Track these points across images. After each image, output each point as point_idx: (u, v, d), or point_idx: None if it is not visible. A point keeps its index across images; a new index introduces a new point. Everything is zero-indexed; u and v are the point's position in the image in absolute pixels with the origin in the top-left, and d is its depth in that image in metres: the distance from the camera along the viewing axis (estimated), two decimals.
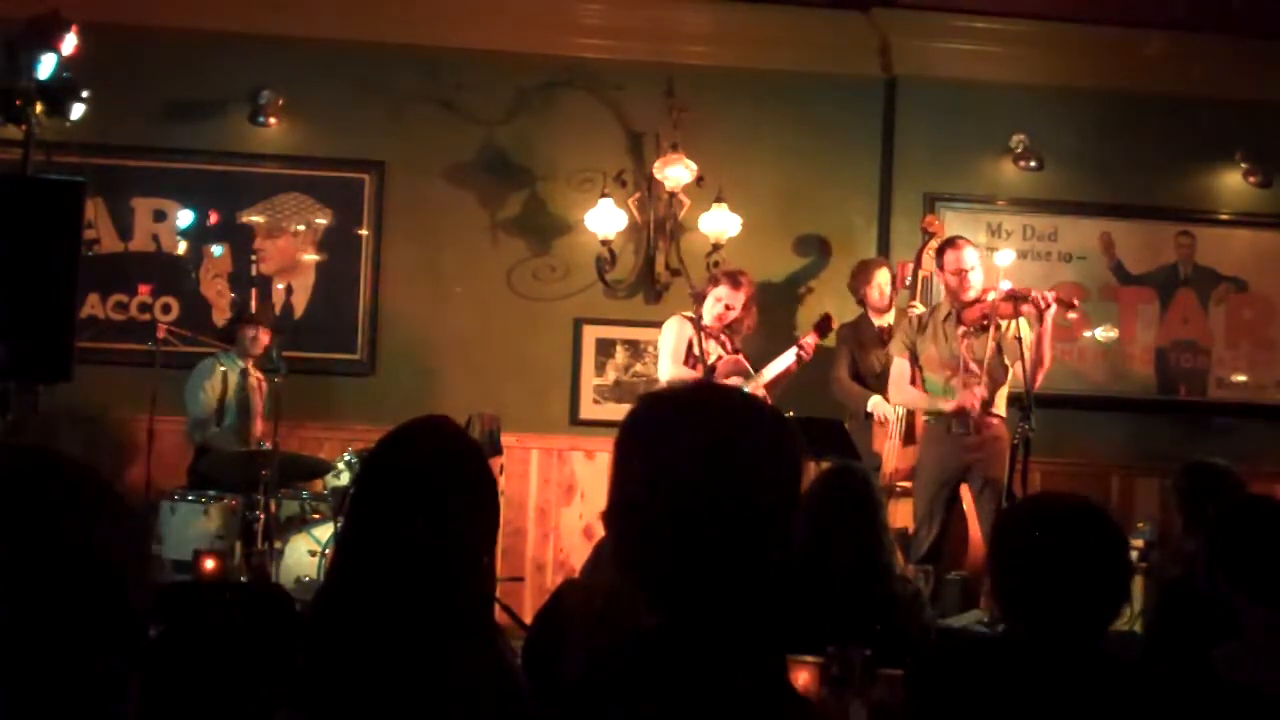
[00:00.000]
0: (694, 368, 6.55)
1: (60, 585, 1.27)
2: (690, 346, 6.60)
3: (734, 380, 6.48)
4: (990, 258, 7.02)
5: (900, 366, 6.44)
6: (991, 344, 6.19)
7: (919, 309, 6.83)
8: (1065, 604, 2.30)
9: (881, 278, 7.08)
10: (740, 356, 6.70)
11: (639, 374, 7.57)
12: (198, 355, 6.83)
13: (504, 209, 7.67)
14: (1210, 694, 2.41)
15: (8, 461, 1.35)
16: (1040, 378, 6.10)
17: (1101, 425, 7.83)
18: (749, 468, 1.51)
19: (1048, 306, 6.02)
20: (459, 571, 2.22)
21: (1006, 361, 6.21)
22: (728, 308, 6.62)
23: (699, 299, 6.66)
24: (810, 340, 6.70)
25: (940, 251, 6.42)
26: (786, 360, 6.66)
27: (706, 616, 1.48)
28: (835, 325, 6.96)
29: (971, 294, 6.22)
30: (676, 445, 1.52)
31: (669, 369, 6.62)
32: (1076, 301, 6.25)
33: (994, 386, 6.26)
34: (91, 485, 1.36)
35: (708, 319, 6.61)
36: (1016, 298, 6.04)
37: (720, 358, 6.63)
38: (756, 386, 6.54)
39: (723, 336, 6.69)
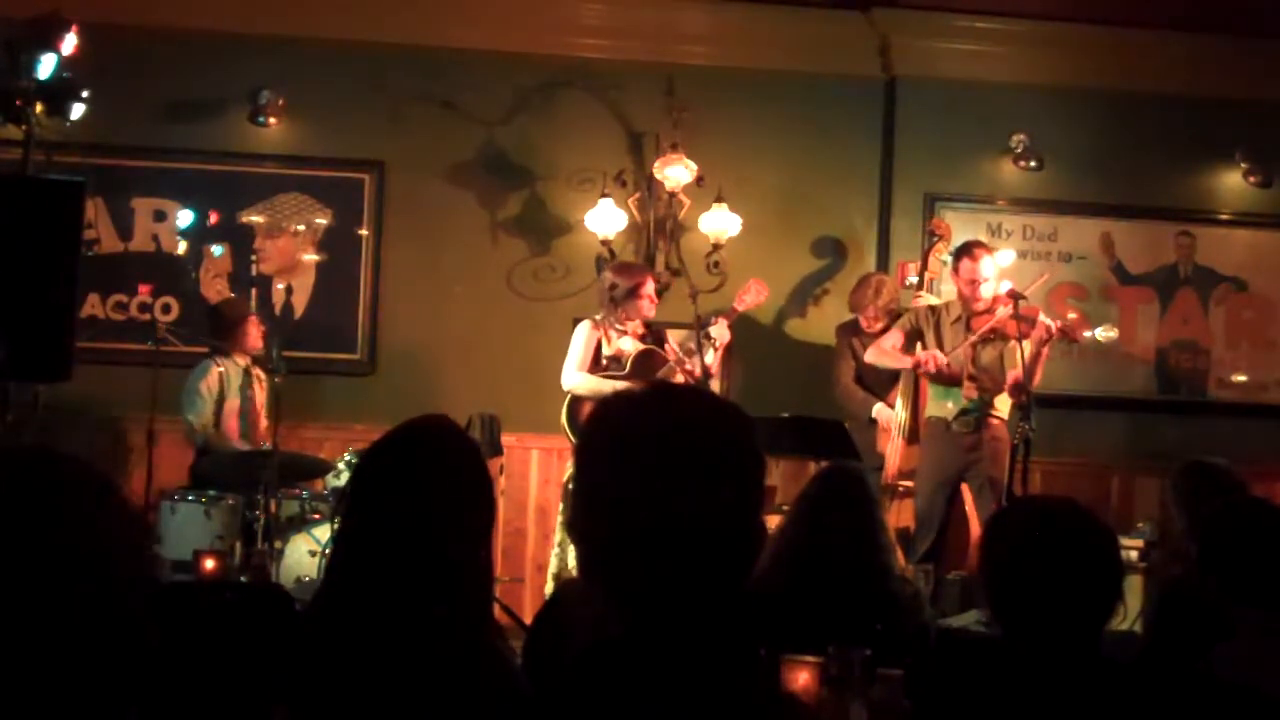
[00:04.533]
0: (608, 368, 6.44)
1: (60, 586, 1.27)
2: (599, 348, 6.49)
3: (663, 372, 6.35)
4: (994, 257, 7.01)
5: (894, 336, 6.49)
6: (994, 352, 6.26)
7: (926, 299, 6.84)
8: (1057, 606, 2.30)
9: (870, 298, 6.98)
10: (654, 348, 6.49)
11: None
12: (198, 355, 6.82)
13: (504, 209, 7.67)
14: (1209, 695, 2.41)
15: (9, 461, 1.35)
16: (1027, 392, 6.10)
17: (1101, 425, 7.83)
18: (704, 469, 1.49)
19: (1051, 338, 6.06)
20: (457, 571, 2.22)
21: (1006, 368, 6.25)
22: (653, 298, 6.54)
23: (613, 303, 6.45)
24: (719, 332, 6.46)
25: (958, 255, 6.43)
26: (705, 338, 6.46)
27: (673, 621, 1.47)
28: (757, 296, 6.72)
29: (981, 305, 6.27)
30: (630, 450, 1.51)
31: (571, 376, 6.45)
32: (1079, 336, 6.28)
33: (995, 388, 6.29)
34: (94, 485, 1.35)
35: (651, 313, 6.49)
36: (1024, 319, 6.06)
37: (638, 352, 6.44)
38: (676, 371, 6.37)
39: (636, 328, 6.49)
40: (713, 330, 6.49)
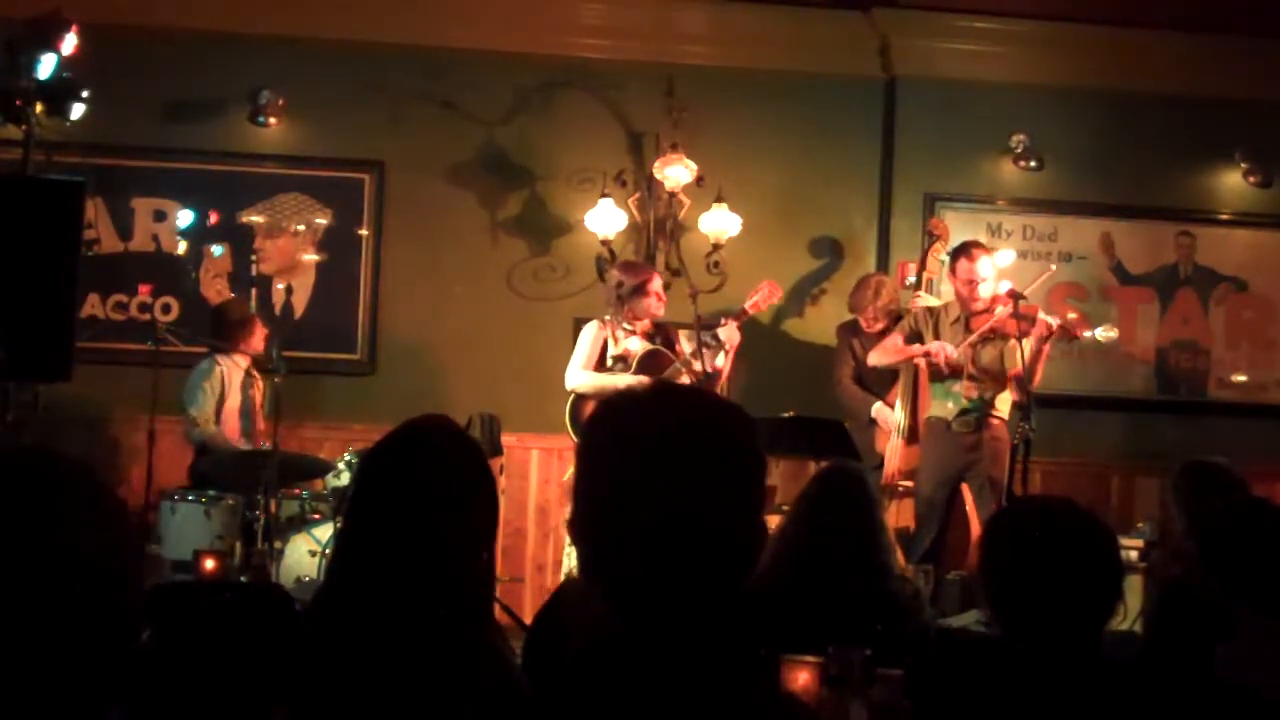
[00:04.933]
0: (613, 368, 6.41)
1: (48, 585, 1.27)
2: (605, 348, 6.47)
3: (669, 372, 6.33)
4: (992, 257, 7.01)
5: (893, 340, 6.50)
6: (994, 352, 6.26)
7: (924, 300, 6.84)
8: (1056, 606, 2.30)
9: (870, 298, 7.00)
10: (660, 348, 6.43)
11: None
12: (197, 355, 6.82)
13: (504, 209, 7.67)
14: (1209, 695, 2.41)
15: (2, 461, 1.35)
16: (1028, 391, 6.08)
17: (1101, 425, 7.83)
18: (706, 468, 1.49)
19: (1051, 335, 6.05)
20: (458, 571, 2.22)
21: (1006, 367, 6.25)
22: (660, 295, 6.47)
23: (619, 302, 6.42)
24: (727, 334, 6.42)
25: (955, 255, 6.43)
26: (715, 341, 6.43)
27: (673, 621, 1.47)
28: (769, 298, 6.70)
29: (979, 305, 6.26)
30: (631, 450, 1.50)
31: (575, 375, 6.43)
32: (1080, 333, 6.26)
33: (995, 388, 6.29)
34: (85, 486, 1.35)
35: (659, 311, 6.43)
36: (1023, 318, 6.05)
37: (644, 352, 6.39)
38: (682, 371, 6.35)
39: (644, 328, 6.44)
40: (721, 333, 6.45)
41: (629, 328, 6.44)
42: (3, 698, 1.25)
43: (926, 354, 6.33)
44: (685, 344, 6.54)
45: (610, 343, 6.46)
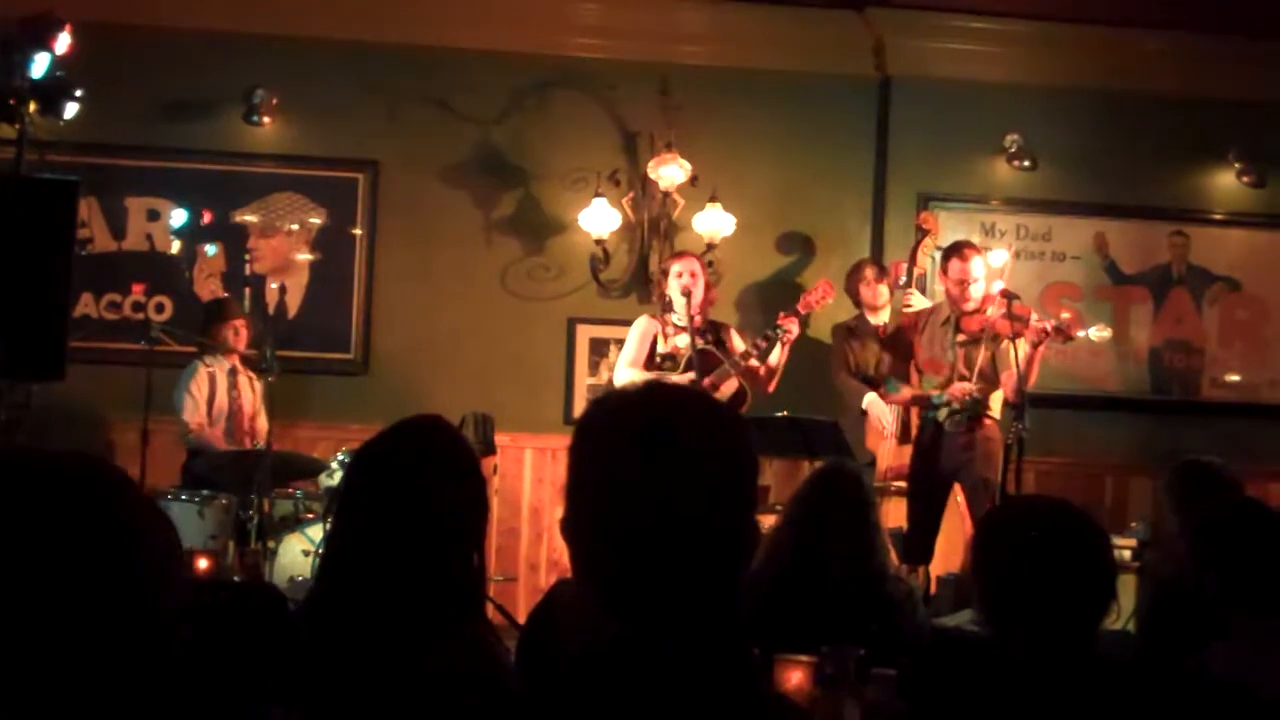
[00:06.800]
0: (662, 365, 6.37)
1: (99, 592, 1.26)
2: (654, 344, 6.44)
3: (718, 372, 6.28)
4: (985, 258, 7.01)
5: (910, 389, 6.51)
6: (986, 353, 6.24)
7: (916, 300, 6.85)
8: (1050, 607, 2.30)
9: (870, 274, 7.10)
10: (710, 348, 6.36)
11: None
12: (190, 355, 6.81)
13: (498, 209, 7.66)
14: (1204, 695, 2.42)
15: (46, 468, 1.34)
16: (1023, 392, 6.05)
17: (1095, 425, 7.83)
18: (697, 468, 1.48)
19: (1045, 337, 6.02)
20: (449, 569, 2.22)
21: (998, 369, 6.24)
22: (693, 275, 6.34)
23: (663, 300, 6.46)
24: (790, 325, 6.40)
25: (946, 256, 6.43)
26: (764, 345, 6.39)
27: (665, 621, 1.46)
28: (823, 297, 6.70)
29: (971, 305, 6.25)
30: (622, 449, 1.50)
31: (622, 373, 6.41)
32: (1075, 334, 6.22)
33: (987, 388, 6.28)
34: (130, 491, 1.35)
35: (680, 303, 6.29)
36: (1017, 319, 6.02)
37: (695, 350, 6.25)
38: (730, 372, 6.31)
39: (692, 323, 6.29)
40: (781, 331, 6.37)
41: (680, 323, 6.38)
42: (53, 703, 1.25)
43: (953, 398, 6.23)
44: (738, 342, 6.52)
45: (660, 339, 6.43)
